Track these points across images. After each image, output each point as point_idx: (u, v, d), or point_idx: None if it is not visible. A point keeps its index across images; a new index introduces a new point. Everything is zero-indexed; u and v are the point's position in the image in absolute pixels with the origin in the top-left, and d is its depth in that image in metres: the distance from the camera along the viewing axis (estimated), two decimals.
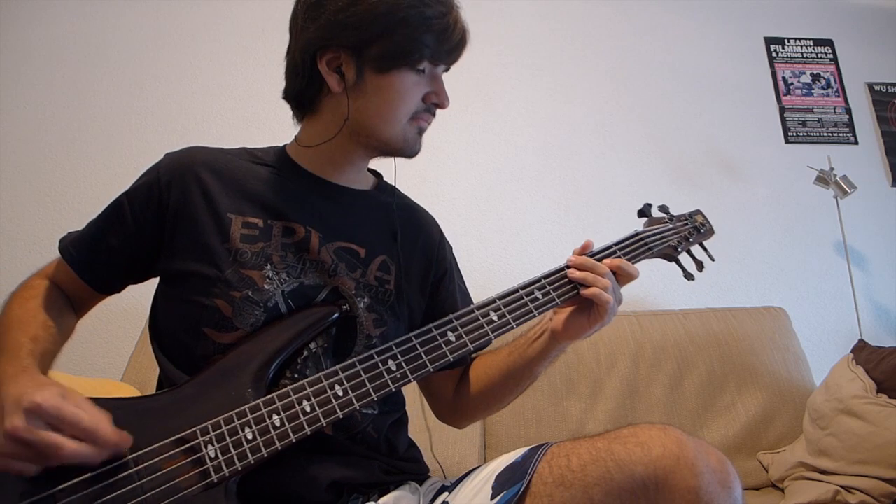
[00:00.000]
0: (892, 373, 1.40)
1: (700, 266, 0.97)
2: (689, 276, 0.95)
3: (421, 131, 0.85)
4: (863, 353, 1.53)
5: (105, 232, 0.82)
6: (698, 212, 1.03)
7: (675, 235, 0.96)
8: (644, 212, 0.98)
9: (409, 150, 0.85)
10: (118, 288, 0.86)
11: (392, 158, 0.89)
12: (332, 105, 0.83)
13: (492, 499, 0.66)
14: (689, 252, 0.99)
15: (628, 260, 0.86)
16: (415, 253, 0.92)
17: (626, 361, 1.66)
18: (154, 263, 0.82)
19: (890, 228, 2.26)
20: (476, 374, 0.93)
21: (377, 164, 0.94)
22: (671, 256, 0.97)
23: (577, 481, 0.61)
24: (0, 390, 0.59)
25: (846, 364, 1.51)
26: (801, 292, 2.13)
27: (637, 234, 0.92)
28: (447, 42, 0.81)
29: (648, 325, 1.73)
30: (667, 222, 0.97)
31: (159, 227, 0.80)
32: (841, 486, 1.28)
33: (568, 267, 0.82)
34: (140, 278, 0.86)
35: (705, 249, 1.01)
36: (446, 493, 0.77)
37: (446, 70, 0.87)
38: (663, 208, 1.00)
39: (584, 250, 0.85)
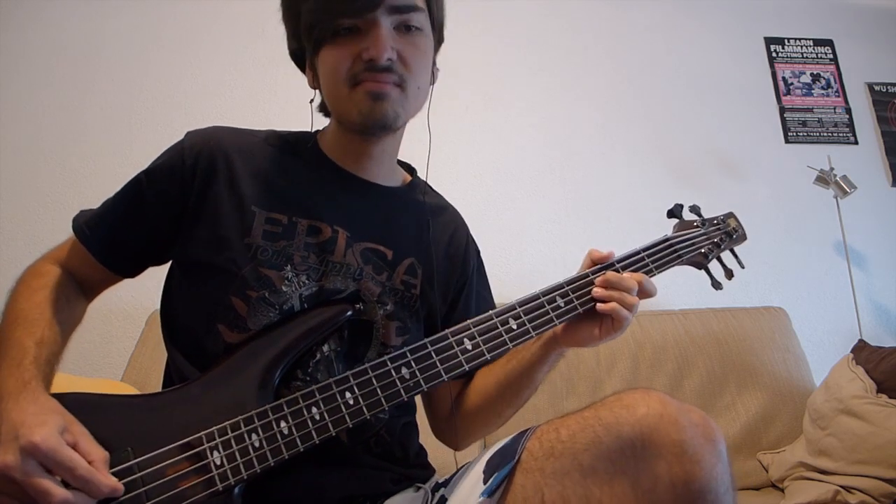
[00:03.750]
0: (892, 373, 1.41)
1: (730, 274, 0.91)
2: (717, 286, 0.89)
3: (376, 96, 0.73)
4: (863, 353, 1.53)
5: (122, 212, 0.78)
6: (731, 215, 0.97)
7: (706, 242, 0.90)
8: (674, 213, 0.92)
9: (368, 121, 0.75)
10: (134, 270, 0.82)
11: (427, 155, 0.86)
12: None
13: (484, 483, 0.65)
14: (718, 258, 0.93)
15: (656, 267, 0.82)
16: (441, 258, 0.88)
17: (626, 361, 1.66)
18: (171, 246, 0.79)
19: (890, 228, 2.26)
20: (474, 387, 0.89)
21: (410, 157, 0.93)
22: (700, 264, 0.91)
23: (566, 450, 0.62)
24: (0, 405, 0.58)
25: (846, 364, 1.51)
26: (801, 292, 2.13)
27: (667, 240, 0.86)
28: None
29: (648, 325, 1.73)
30: (698, 227, 0.91)
31: (180, 211, 0.77)
32: (841, 486, 1.28)
33: (592, 274, 0.78)
34: (157, 261, 0.82)
35: (735, 255, 0.96)
36: (443, 489, 0.76)
37: (402, 19, 0.75)
38: (695, 209, 0.93)
39: (604, 261, 0.80)
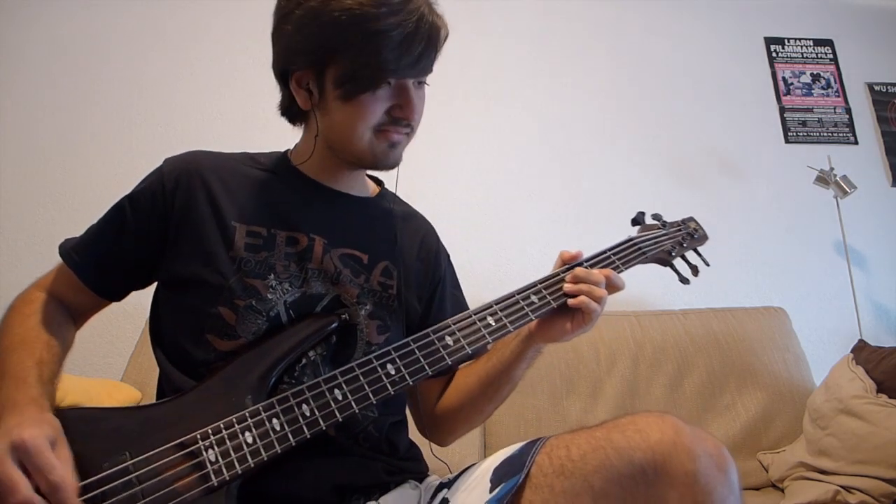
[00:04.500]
0: (892, 373, 1.40)
1: (695, 271, 0.98)
2: (684, 280, 0.96)
3: (393, 144, 0.80)
4: (863, 353, 1.53)
5: (107, 237, 0.81)
6: (691, 218, 1.06)
7: (668, 241, 0.97)
8: (637, 220, 0.99)
9: (379, 164, 0.83)
10: (121, 294, 0.85)
11: (406, 164, 0.88)
12: (311, 119, 0.84)
13: (490, 492, 0.66)
14: (683, 257, 1.00)
15: (623, 265, 0.87)
16: (413, 260, 0.92)
17: (626, 361, 1.66)
18: (157, 268, 0.82)
19: (890, 228, 2.26)
20: (456, 384, 0.93)
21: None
22: (665, 261, 0.98)
23: (577, 470, 0.61)
24: (4, 416, 0.60)
25: (846, 364, 1.51)
26: (801, 292, 2.13)
27: (631, 240, 0.93)
28: (407, 54, 0.73)
29: (648, 325, 1.73)
30: (660, 228, 0.99)
31: (163, 233, 0.80)
32: (841, 486, 1.28)
33: (563, 272, 0.83)
34: (143, 284, 0.85)
35: (700, 255, 1.03)
36: (445, 490, 0.77)
37: (421, 80, 0.81)
38: (656, 216, 1.01)
39: (574, 260, 0.85)
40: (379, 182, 1.00)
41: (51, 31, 2.11)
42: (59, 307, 0.81)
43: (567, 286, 0.80)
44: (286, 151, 0.93)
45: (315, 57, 0.76)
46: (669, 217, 1.03)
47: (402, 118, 0.79)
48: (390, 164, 0.83)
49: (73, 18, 2.14)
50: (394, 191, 0.97)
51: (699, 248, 1.04)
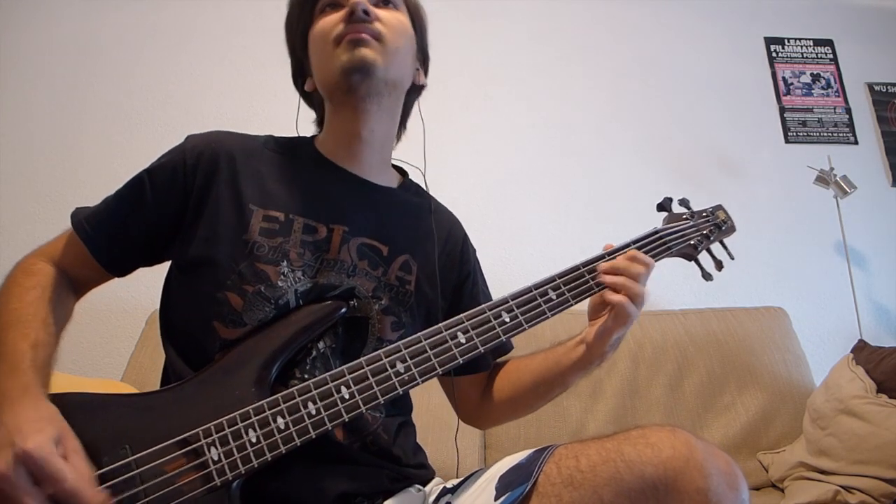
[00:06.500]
0: (892, 373, 1.40)
1: (720, 265, 0.92)
2: (707, 277, 0.90)
3: (355, 42, 0.78)
4: (863, 353, 1.53)
5: (122, 210, 0.79)
6: (720, 207, 0.99)
7: (695, 234, 0.92)
8: (664, 206, 0.93)
9: (349, 65, 0.78)
10: (128, 270, 0.82)
11: (421, 160, 0.88)
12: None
13: (495, 500, 0.65)
14: (708, 250, 0.94)
15: None
16: (438, 254, 0.89)
17: (626, 361, 1.66)
18: (169, 247, 0.79)
19: (890, 228, 2.26)
20: (508, 378, 0.91)
21: (404, 155, 0.95)
22: (690, 256, 0.92)
23: (586, 482, 0.60)
24: None
25: (846, 364, 1.51)
26: (801, 292, 2.12)
27: (656, 233, 0.88)
28: None
29: (648, 325, 1.73)
30: (687, 219, 0.93)
31: (180, 210, 0.78)
32: (841, 486, 1.28)
33: (583, 266, 0.80)
34: (152, 261, 0.82)
35: (725, 247, 0.97)
36: (449, 496, 0.76)
37: None
38: (684, 202, 0.95)
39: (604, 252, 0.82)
40: (403, 173, 0.97)
41: (51, 31, 2.11)
42: (62, 279, 0.77)
43: (605, 278, 0.77)
44: (312, 137, 0.90)
45: (297, 48, 0.86)
46: (696, 205, 0.97)
47: (350, 12, 0.78)
48: (358, 61, 0.78)
49: (72, 17, 2.14)
50: (419, 182, 0.95)
51: (725, 240, 0.98)
